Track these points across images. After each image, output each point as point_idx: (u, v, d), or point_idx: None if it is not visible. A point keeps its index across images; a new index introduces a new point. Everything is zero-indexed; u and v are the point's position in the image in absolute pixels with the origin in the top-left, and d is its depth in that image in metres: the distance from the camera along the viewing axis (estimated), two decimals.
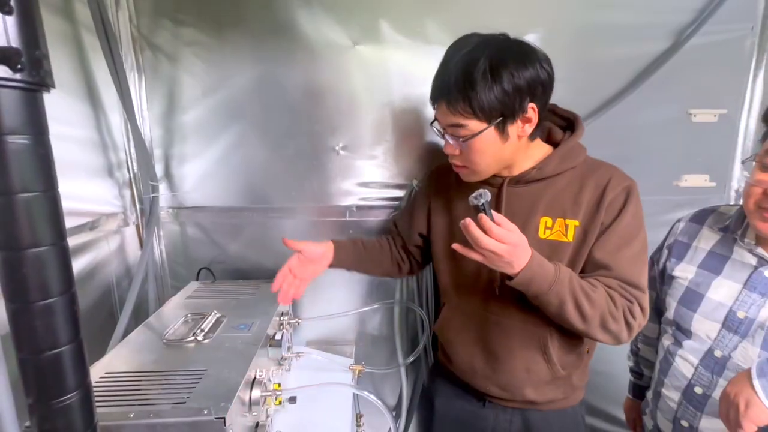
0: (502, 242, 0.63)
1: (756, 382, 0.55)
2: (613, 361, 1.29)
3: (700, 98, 1.17)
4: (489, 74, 0.67)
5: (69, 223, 0.86)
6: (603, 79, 1.15)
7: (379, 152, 1.16)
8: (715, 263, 0.74)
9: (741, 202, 0.71)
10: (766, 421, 0.54)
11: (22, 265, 0.30)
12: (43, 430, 0.32)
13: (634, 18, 1.11)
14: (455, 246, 0.68)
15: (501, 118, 0.70)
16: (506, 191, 0.79)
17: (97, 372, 0.69)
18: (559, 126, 0.84)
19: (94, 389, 0.63)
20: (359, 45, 1.10)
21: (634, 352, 1.02)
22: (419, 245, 0.98)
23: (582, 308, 0.69)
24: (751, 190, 0.66)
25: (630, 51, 1.13)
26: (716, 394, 0.69)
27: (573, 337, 0.82)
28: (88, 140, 0.96)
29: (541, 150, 0.80)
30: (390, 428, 0.78)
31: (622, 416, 1.09)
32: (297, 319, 1.02)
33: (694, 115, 1.17)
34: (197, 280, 1.15)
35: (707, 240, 0.77)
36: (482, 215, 0.63)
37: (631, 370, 1.03)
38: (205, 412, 0.58)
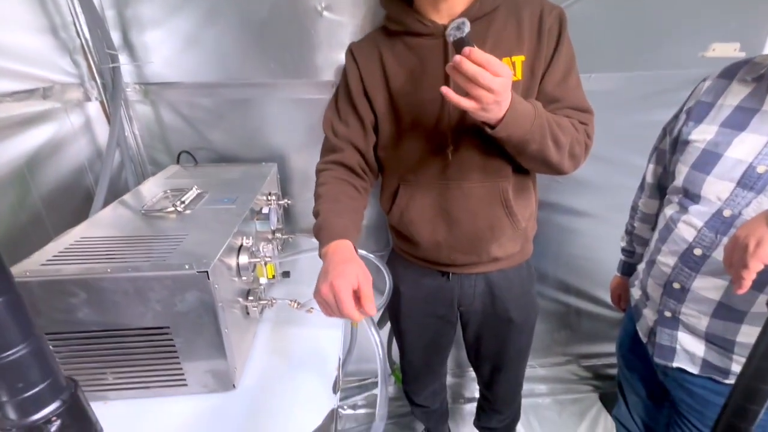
0: (498, 75, 0.55)
1: None
2: (602, 248, 1.32)
3: None
4: None
5: (13, 86, 0.76)
6: None
7: (371, 9, 0.99)
8: (740, 118, 0.67)
9: None
10: None
11: None
12: None
13: None
14: (445, 91, 0.58)
15: None
16: None
17: (72, 237, 0.65)
18: None
19: (69, 251, 0.60)
20: None
21: (629, 232, 1.00)
22: (375, 142, 0.84)
23: (558, 138, 0.69)
24: None
25: None
26: (716, 254, 0.67)
27: (526, 186, 0.84)
28: None
29: None
30: (387, 287, 0.78)
31: (607, 297, 1.13)
32: (286, 200, 0.98)
33: None
34: (177, 163, 1.08)
35: (735, 95, 0.69)
36: (472, 49, 0.54)
37: (623, 250, 1.03)
38: (187, 266, 0.56)
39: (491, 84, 0.54)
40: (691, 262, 0.71)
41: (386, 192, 0.89)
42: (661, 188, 0.89)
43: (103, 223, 0.71)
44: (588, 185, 1.25)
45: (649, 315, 0.83)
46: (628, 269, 1.02)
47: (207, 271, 0.55)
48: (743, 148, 0.65)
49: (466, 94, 0.58)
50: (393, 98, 0.78)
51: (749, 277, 0.51)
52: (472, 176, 0.78)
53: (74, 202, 0.93)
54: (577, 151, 0.74)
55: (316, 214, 0.75)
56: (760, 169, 0.62)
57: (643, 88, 1.12)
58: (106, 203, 0.84)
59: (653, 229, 0.89)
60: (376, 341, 0.62)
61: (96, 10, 0.93)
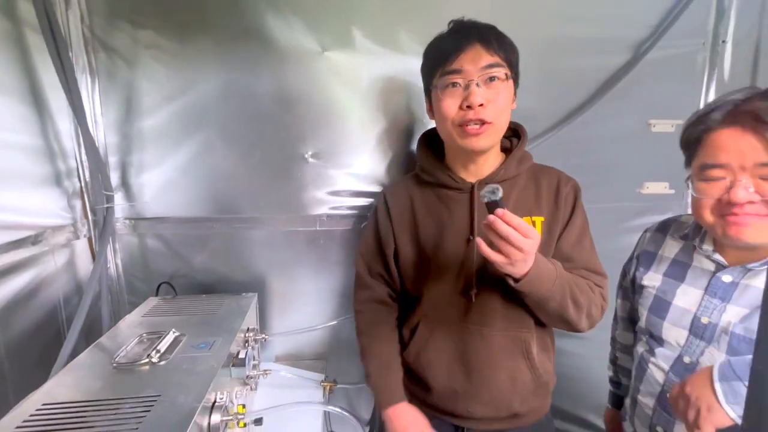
0: (528, 237, 0.60)
1: (717, 386, 0.55)
2: (590, 367, 1.31)
3: (659, 109, 1.22)
4: (505, 36, 0.76)
5: (6, 237, 0.79)
6: (568, 90, 1.18)
7: (350, 160, 1.14)
8: (678, 271, 0.75)
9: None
10: (725, 424, 0.55)
11: None
12: None
13: (596, 32, 1.15)
14: (479, 242, 0.62)
15: (515, 76, 0.77)
16: (477, 194, 0.80)
17: (33, 403, 0.62)
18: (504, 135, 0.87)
19: (29, 423, 0.57)
20: (328, 51, 1.08)
21: (613, 362, 1.02)
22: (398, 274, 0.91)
23: (577, 299, 0.72)
24: (702, 202, 0.66)
25: (592, 63, 1.17)
26: None
27: (547, 338, 0.85)
28: (31, 147, 0.88)
29: (499, 154, 0.85)
30: None
31: (599, 422, 1.09)
32: (263, 336, 0.97)
33: (654, 126, 1.22)
34: (156, 295, 1.07)
35: (671, 249, 0.79)
36: (504, 211, 0.59)
37: (611, 380, 1.03)
38: None
39: (521, 244, 0.59)
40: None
41: (405, 327, 0.90)
42: (632, 321, 0.94)
43: (69, 382, 0.68)
44: None
45: None
46: (618, 401, 1.01)
47: None
48: (686, 299, 0.72)
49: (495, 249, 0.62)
50: (419, 241, 0.85)
51: None
52: (495, 323, 0.80)
53: (42, 341, 0.89)
54: (594, 313, 0.77)
55: (366, 376, 0.87)
56: (704, 320, 0.68)
57: (593, 218, 1.25)
58: (76, 342, 0.82)
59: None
60: None
61: (101, 157, 1.02)
